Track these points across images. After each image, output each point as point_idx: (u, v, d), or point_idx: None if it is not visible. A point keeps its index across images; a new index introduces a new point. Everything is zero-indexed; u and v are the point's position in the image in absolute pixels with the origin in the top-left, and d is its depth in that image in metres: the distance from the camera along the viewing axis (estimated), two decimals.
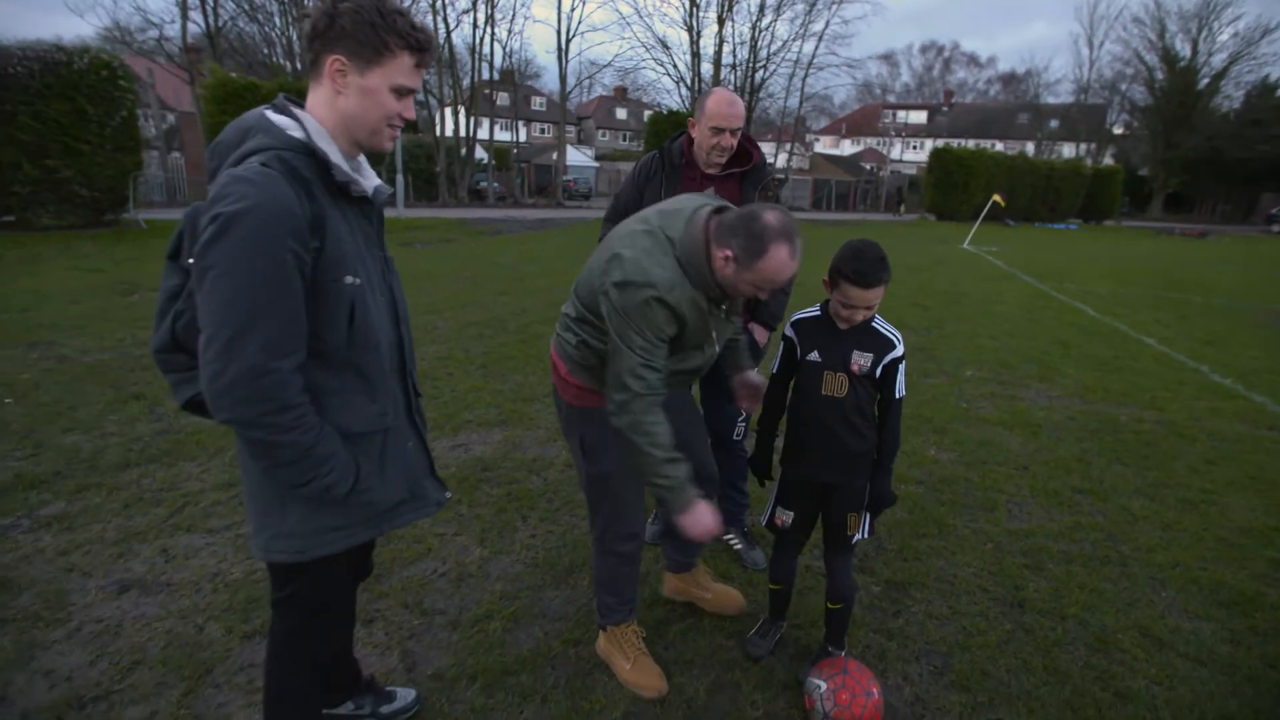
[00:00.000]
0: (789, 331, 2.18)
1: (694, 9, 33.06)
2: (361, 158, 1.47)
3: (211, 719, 1.99)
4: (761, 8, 33.91)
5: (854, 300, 1.96)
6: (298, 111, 1.36)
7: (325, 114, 1.36)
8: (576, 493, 3.46)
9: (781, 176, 2.65)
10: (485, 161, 32.14)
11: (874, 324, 2.06)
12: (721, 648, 2.40)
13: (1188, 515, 3.57)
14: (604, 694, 2.15)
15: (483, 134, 32.45)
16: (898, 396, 2.08)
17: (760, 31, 34.64)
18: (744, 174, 2.67)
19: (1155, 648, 2.52)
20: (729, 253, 1.75)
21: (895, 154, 61.66)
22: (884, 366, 2.04)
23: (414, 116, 1.36)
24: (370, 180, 1.47)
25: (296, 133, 1.33)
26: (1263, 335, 8.58)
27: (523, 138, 43.08)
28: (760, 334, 2.78)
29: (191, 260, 1.25)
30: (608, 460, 2.03)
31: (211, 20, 24.88)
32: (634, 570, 2.23)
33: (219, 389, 1.23)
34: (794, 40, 36.40)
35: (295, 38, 29.01)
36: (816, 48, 38.35)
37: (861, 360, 2.03)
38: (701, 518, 1.84)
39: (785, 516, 2.23)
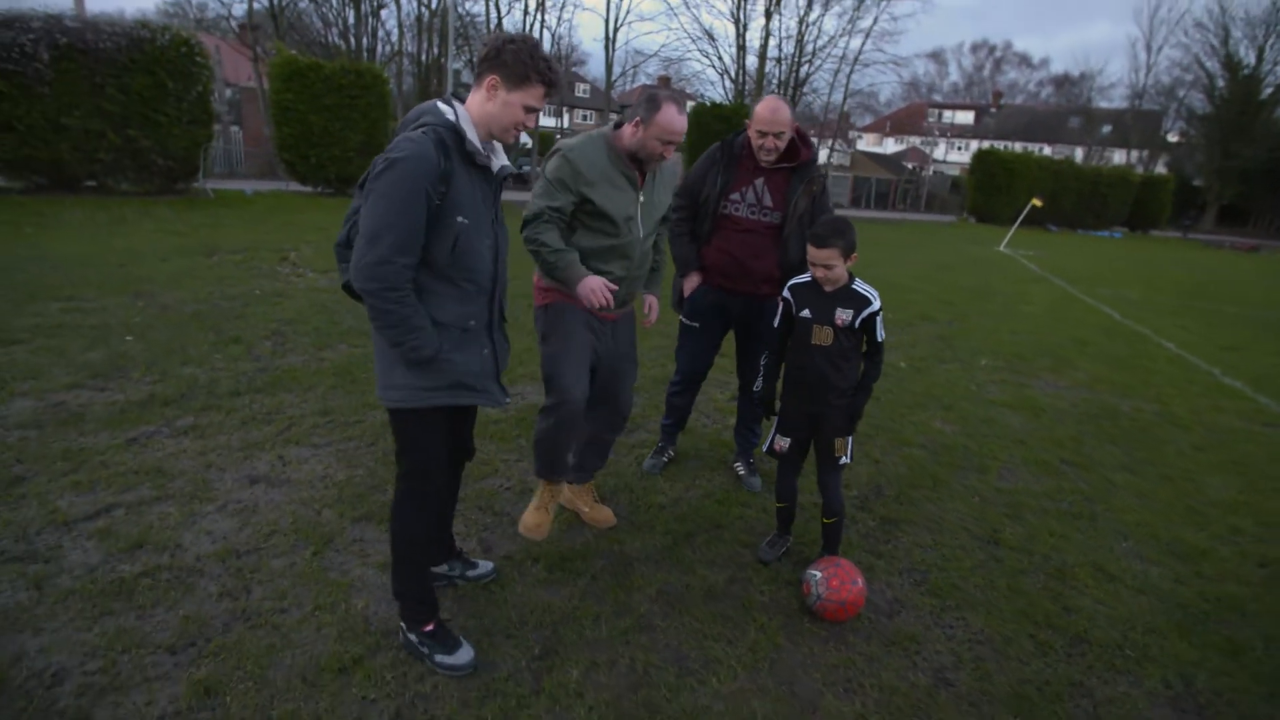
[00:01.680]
0: (786, 294, 2.72)
1: (742, 2, 33.19)
2: (497, 144, 2.05)
3: (336, 571, 2.57)
4: (810, 2, 33.90)
5: (813, 258, 2.54)
6: (457, 105, 1.94)
7: (476, 110, 1.96)
8: (745, 481, 3.99)
9: (824, 174, 3.18)
10: (528, 146, 32.77)
11: (854, 286, 2.61)
12: (738, 553, 2.92)
13: (1164, 488, 3.97)
14: (641, 575, 2.69)
15: None
16: (879, 340, 2.63)
17: (807, 26, 34.68)
18: (793, 169, 3.09)
19: (1106, 580, 2.96)
20: (637, 118, 2.49)
21: (940, 154, 60.91)
22: (863, 319, 2.58)
23: (534, 126, 2.00)
24: (499, 160, 2.04)
25: (450, 117, 1.91)
26: None
27: (565, 123, 43.64)
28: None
29: (368, 186, 1.86)
30: (554, 343, 2.64)
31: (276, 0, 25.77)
32: (571, 436, 2.72)
33: (360, 267, 1.82)
34: (841, 36, 36.32)
35: (350, 19, 29.96)
36: (863, 44, 38.03)
37: (844, 315, 2.57)
38: (591, 284, 2.44)
39: (783, 443, 2.76)
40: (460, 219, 1.92)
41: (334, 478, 3.24)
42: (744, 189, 3.14)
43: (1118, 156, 53.49)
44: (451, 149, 1.89)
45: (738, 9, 33.36)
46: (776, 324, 2.78)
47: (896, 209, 40.76)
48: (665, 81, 59.71)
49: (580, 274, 2.47)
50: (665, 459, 3.69)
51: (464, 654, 2.14)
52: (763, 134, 2.97)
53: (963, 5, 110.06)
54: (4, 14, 11.34)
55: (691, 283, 3.29)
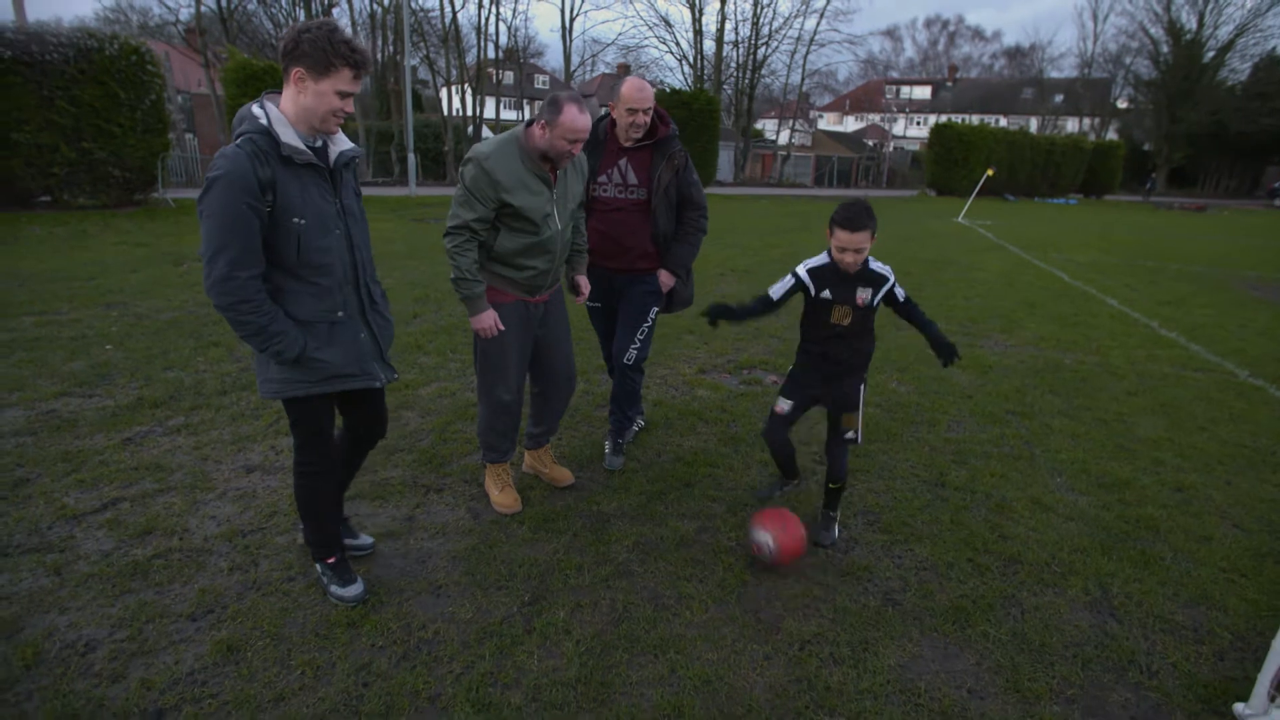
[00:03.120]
0: (803, 274, 2.79)
1: None
2: (340, 134, 2.14)
3: None
4: None
5: (844, 243, 2.61)
6: (269, 106, 1.99)
7: (289, 107, 1.99)
8: (593, 410, 4.23)
9: (684, 150, 3.33)
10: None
11: (870, 267, 2.73)
12: (707, 506, 3.18)
13: (1097, 430, 4.32)
14: (618, 529, 2.94)
15: (488, 113, 32.93)
16: (902, 300, 2.81)
17: (762, 9, 34.92)
18: (655, 145, 3.24)
19: (1040, 510, 3.28)
20: (543, 120, 2.60)
21: (900, 130, 61.72)
22: (884, 294, 2.75)
23: (353, 111, 2.05)
24: (338, 148, 2.12)
25: (263, 122, 1.96)
26: (1222, 298, 9.27)
27: (527, 116, 43.46)
28: (664, 278, 3.40)
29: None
30: (484, 340, 2.86)
31: (224, 1, 25.31)
32: (507, 422, 3.03)
33: (208, 287, 1.95)
34: (796, 17, 36.69)
35: (301, 18, 29.48)
36: (819, 24, 38.59)
37: (864, 294, 2.73)
38: (484, 321, 2.75)
39: (785, 406, 2.95)
40: (297, 220, 2.00)
41: None
42: (609, 170, 3.28)
43: (1070, 125, 54.78)
44: (269, 154, 1.94)
45: None
46: (777, 298, 2.85)
47: (859, 186, 41.34)
48: (624, 69, 59.56)
49: (480, 308, 2.74)
50: (635, 429, 3.89)
51: (354, 589, 2.41)
52: (632, 111, 3.10)
53: None
54: None
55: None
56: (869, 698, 2.11)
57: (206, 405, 4.06)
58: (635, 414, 3.69)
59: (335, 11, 30.16)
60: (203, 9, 25.20)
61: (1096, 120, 53.69)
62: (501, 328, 2.80)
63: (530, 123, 2.71)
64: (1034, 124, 53.08)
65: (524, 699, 2.04)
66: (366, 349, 2.27)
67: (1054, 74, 60.56)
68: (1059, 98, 57.27)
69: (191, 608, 2.36)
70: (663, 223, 3.28)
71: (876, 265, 2.76)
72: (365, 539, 2.75)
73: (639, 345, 3.43)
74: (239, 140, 1.95)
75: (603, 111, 3.34)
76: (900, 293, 2.80)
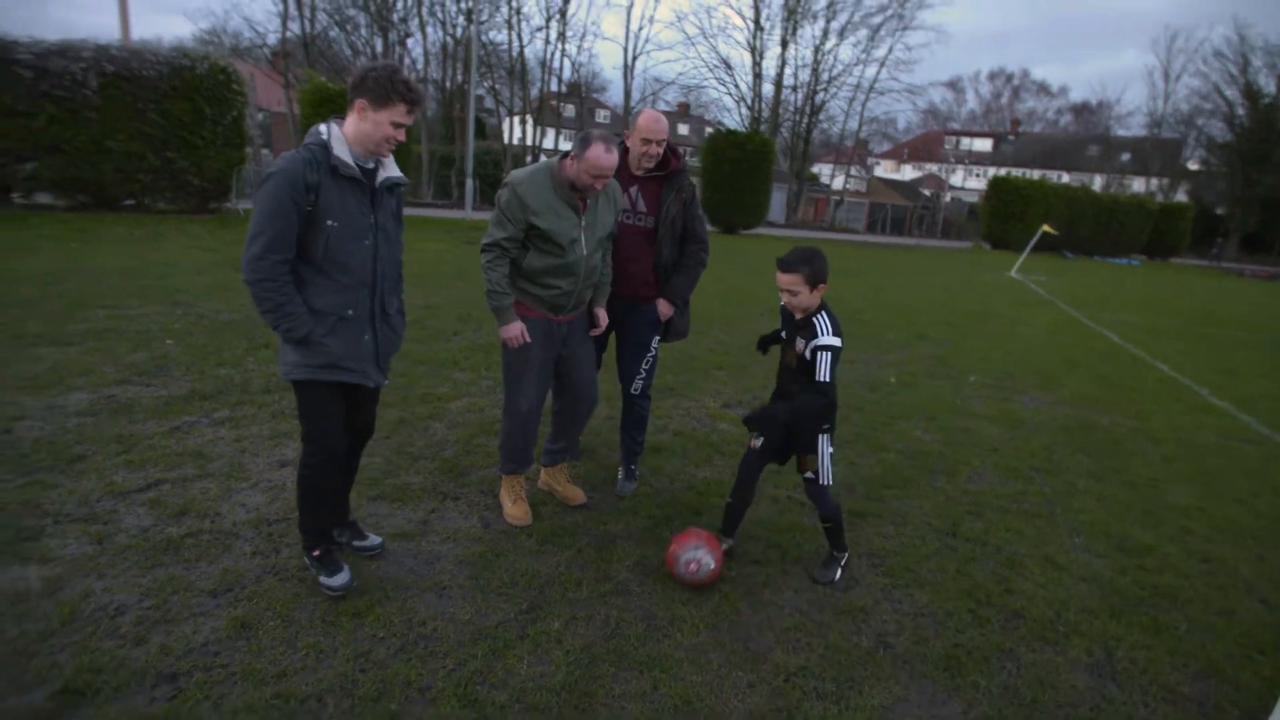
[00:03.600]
0: (782, 308, 2.89)
1: (758, 31, 33.97)
2: (389, 159, 2.41)
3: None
4: (825, 32, 34.58)
5: (779, 282, 2.72)
6: (333, 126, 2.30)
7: (350, 130, 2.29)
8: (614, 434, 4.33)
9: (693, 183, 3.45)
10: None
11: (816, 316, 2.71)
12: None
13: (1125, 492, 4.22)
14: (621, 549, 3.02)
15: (548, 143, 33.90)
16: (818, 378, 2.64)
17: (823, 55, 35.33)
18: (665, 177, 3.35)
19: (1052, 569, 3.23)
20: (573, 155, 2.81)
21: (958, 181, 61.14)
22: (811, 349, 2.69)
23: (404, 140, 2.32)
24: (385, 172, 2.40)
25: (324, 137, 2.27)
26: None
27: None
28: (662, 308, 3.43)
29: None
30: (510, 354, 3.03)
31: (309, 28, 26.86)
32: (526, 437, 3.17)
33: (243, 262, 2.22)
34: (856, 65, 36.94)
35: (379, 47, 31.02)
36: (879, 73, 38.67)
37: (801, 344, 2.76)
38: (511, 332, 2.94)
39: (757, 441, 2.98)
40: (330, 222, 2.27)
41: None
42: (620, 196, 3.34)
43: (1137, 184, 53.43)
44: (321, 164, 2.24)
45: (754, 38, 34.13)
46: (768, 333, 3.07)
47: (912, 235, 41.00)
48: (684, 109, 60.75)
49: (508, 319, 2.94)
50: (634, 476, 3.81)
51: (340, 578, 2.53)
52: (646, 141, 3.21)
53: (981, 33, 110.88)
54: (58, 44, 12.11)
55: None
56: None
57: (250, 402, 4.30)
58: (642, 440, 3.74)
59: (410, 42, 31.68)
60: (288, 34, 26.78)
61: (1165, 181, 52.27)
62: (528, 339, 2.97)
63: (566, 154, 2.91)
64: (1098, 181, 51.96)
65: (509, 699, 2.12)
66: (367, 350, 2.48)
67: (1121, 132, 59.39)
68: (1126, 156, 56.01)
69: (214, 585, 2.52)
70: (667, 252, 3.38)
71: (823, 319, 2.70)
72: (374, 539, 2.88)
73: (644, 375, 3.53)
74: (301, 147, 2.27)
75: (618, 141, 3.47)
76: (823, 370, 2.65)
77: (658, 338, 3.52)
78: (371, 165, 2.37)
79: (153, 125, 13.22)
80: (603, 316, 3.27)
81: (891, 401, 5.66)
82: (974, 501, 3.88)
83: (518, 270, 2.97)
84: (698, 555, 2.70)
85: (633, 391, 3.56)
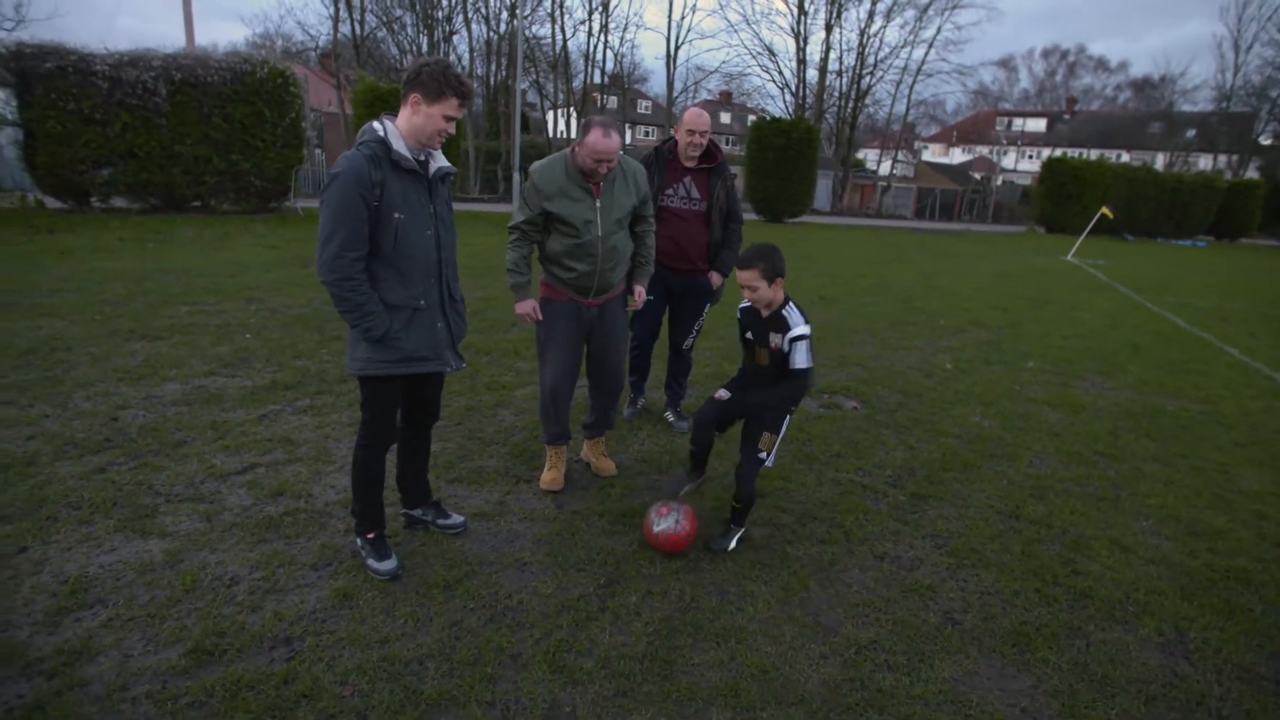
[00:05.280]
0: (739, 314, 3.08)
1: (802, 16, 33.46)
2: (439, 153, 2.50)
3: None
4: (871, 14, 33.88)
5: (739, 279, 2.87)
6: (386, 122, 2.39)
7: (403, 125, 2.39)
8: (675, 425, 4.44)
9: (734, 173, 4.10)
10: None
11: (783, 311, 2.90)
12: (776, 516, 3.32)
13: (1194, 478, 4.15)
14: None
15: None
16: (794, 366, 2.88)
17: (868, 39, 34.63)
18: (710, 169, 3.99)
19: (1120, 551, 3.23)
20: (578, 143, 3.04)
21: (1010, 163, 59.29)
22: (788, 341, 2.88)
23: (453, 132, 2.45)
24: (436, 163, 2.49)
25: (381, 133, 2.36)
26: None
27: (628, 140, 44.62)
28: (715, 278, 4.13)
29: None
30: (542, 330, 3.33)
31: (358, 29, 27.49)
32: (555, 409, 3.41)
33: (319, 265, 2.32)
34: (903, 47, 36.15)
35: (424, 46, 31.58)
36: (927, 54, 37.75)
37: (776, 339, 2.91)
38: (524, 308, 3.22)
39: (724, 394, 3.13)
40: (397, 215, 2.37)
41: (431, 448, 3.79)
42: (675, 185, 3.98)
43: (1204, 161, 51.01)
44: (383, 160, 2.33)
45: (798, 24, 33.64)
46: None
47: (962, 220, 40.00)
48: (726, 97, 60.31)
49: (522, 296, 3.25)
50: (638, 408, 4.57)
51: (388, 564, 2.64)
52: (691, 132, 3.81)
53: (1034, 10, 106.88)
54: (130, 54, 12.71)
55: None
56: (919, 703, 2.20)
57: (329, 391, 4.53)
58: (686, 384, 4.51)
59: (455, 39, 32.13)
60: (339, 36, 27.46)
61: (1234, 157, 49.74)
62: (539, 317, 3.27)
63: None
64: (1160, 160, 49.77)
65: (595, 666, 2.25)
66: (441, 337, 2.61)
67: (1186, 107, 56.62)
68: (1191, 132, 53.46)
69: (314, 559, 2.72)
70: (716, 231, 4.05)
71: (791, 311, 2.90)
72: (457, 518, 3.05)
73: (694, 335, 4.29)
74: (359, 145, 2.35)
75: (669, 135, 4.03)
76: (799, 357, 2.87)
77: (709, 304, 4.22)
78: (423, 157, 2.47)
79: (217, 129, 13.79)
80: (640, 293, 3.47)
81: (948, 388, 5.63)
82: (1036, 485, 3.88)
83: (544, 254, 3.27)
84: (674, 509, 2.87)
85: (685, 348, 4.30)
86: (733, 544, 3.01)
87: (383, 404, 2.61)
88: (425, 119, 2.36)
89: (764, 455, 2.97)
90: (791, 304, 2.92)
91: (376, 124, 2.37)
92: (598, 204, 3.14)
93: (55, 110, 12.17)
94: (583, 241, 3.14)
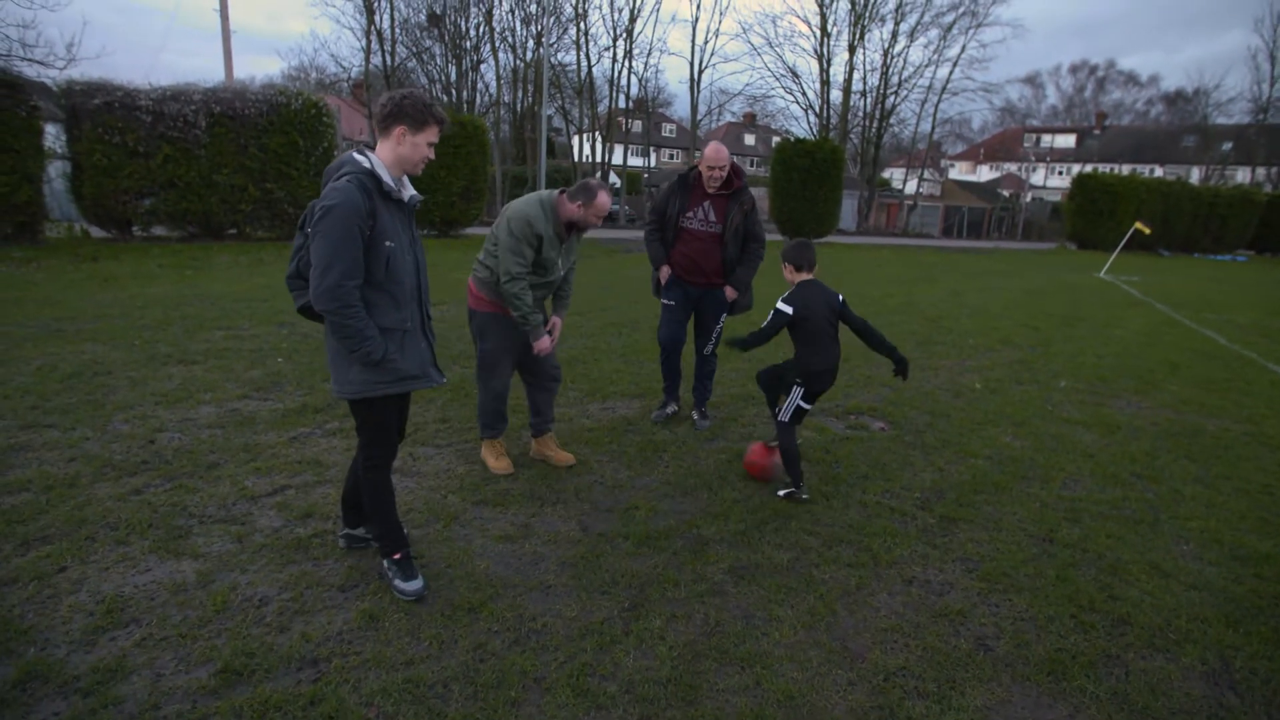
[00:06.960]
0: (783, 308, 3.57)
1: (825, 38, 33.63)
2: (405, 178, 2.56)
3: (462, 540, 3.11)
4: (894, 34, 33.94)
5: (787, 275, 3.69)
6: (369, 154, 2.44)
7: (386, 156, 2.45)
8: (699, 444, 4.43)
9: (753, 198, 4.45)
10: (617, 186, 34.08)
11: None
12: (803, 539, 3.28)
13: (1238, 500, 4.02)
14: (715, 553, 3.10)
15: (616, 159, 34.43)
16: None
17: (892, 59, 34.65)
18: (730, 195, 4.38)
19: (1159, 576, 3.13)
20: (579, 202, 3.52)
21: (1039, 179, 58.58)
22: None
23: (433, 157, 2.54)
24: (408, 191, 2.57)
25: (367, 165, 2.41)
26: None
27: (653, 163, 45.02)
28: (729, 292, 4.52)
29: (309, 229, 2.40)
30: (491, 340, 3.71)
31: (389, 60, 28.25)
32: (499, 407, 3.85)
33: (319, 293, 2.33)
34: (927, 66, 36.05)
35: (453, 75, 32.32)
36: (951, 72, 37.59)
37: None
38: (544, 345, 3.63)
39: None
40: (388, 243, 2.44)
41: (455, 471, 3.83)
42: (696, 209, 4.42)
43: (1241, 175, 49.90)
44: (372, 190, 2.39)
45: (821, 45, 33.79)
46: (764, 328, 3.66)
47: (990, 238, 39.52)
48: (750, 118, 60.59)
49: (540, 335, 3.61)
50: (669, 411, 4.84)
51: (415, 584, 2.66)
52: (710, 168, 4.29)
53: (1062, 24, 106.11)
54: (173, 89, 13.21)
55: (665, 273, 4.55)
56: None
57: None
58: (710, 385, 4.85)
59: (483, 67, 32.85)
60: (371, 67, 28.25)
61: (1274, 170, 48.57)
62: (550, 350, 3.72)
63: (561, 192, 3.58)
64: (1195, 174, 48.79)
65: (619, 690, 2.24)
66: (426, 355, 2.70)
67: (1222, 120, 55.50)
68: (1227, 145, 52.34)
69: (342, 580, 2.75)
70: (731, 250, 4.42)
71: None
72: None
73: (714, 341, 4.64)
74: (347, 178, 2.37)
75: (694, 161, 4.36)
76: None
77: (725, 314, 4.59)
78: (399, 187, 2.54)
79: (253, 159, 14.20)
80: (557, 325, 3.82)
81: (977, 408, 5.54)
82: (1070, 508, 3.78)
83: (497, 279, 3.52)
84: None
85: (705, 352, 4.67)
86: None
87: (386, 424, 2.68)
88: (411, 148, 2.46)
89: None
90: (790, 294, 3.59)
91: (359, 155, 2.43)
92: (564, 249, 3.67)
93: (102, 144, 12.65)
94: (549, 279, 3.65)
